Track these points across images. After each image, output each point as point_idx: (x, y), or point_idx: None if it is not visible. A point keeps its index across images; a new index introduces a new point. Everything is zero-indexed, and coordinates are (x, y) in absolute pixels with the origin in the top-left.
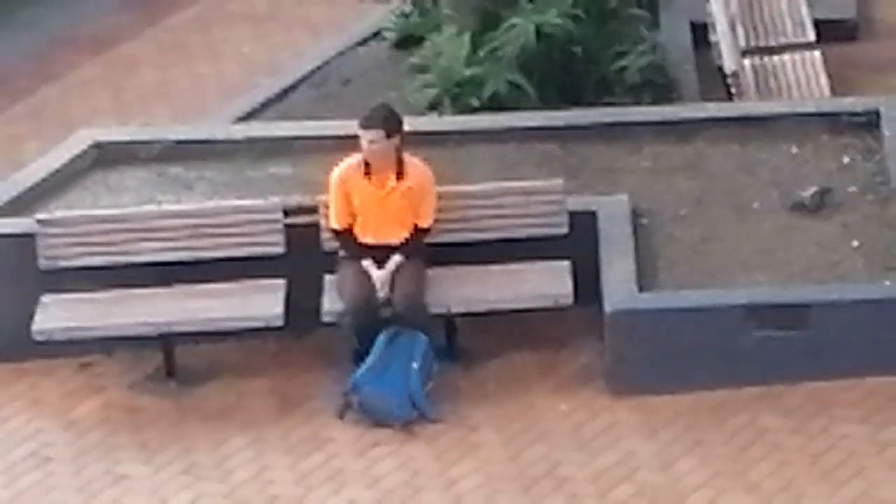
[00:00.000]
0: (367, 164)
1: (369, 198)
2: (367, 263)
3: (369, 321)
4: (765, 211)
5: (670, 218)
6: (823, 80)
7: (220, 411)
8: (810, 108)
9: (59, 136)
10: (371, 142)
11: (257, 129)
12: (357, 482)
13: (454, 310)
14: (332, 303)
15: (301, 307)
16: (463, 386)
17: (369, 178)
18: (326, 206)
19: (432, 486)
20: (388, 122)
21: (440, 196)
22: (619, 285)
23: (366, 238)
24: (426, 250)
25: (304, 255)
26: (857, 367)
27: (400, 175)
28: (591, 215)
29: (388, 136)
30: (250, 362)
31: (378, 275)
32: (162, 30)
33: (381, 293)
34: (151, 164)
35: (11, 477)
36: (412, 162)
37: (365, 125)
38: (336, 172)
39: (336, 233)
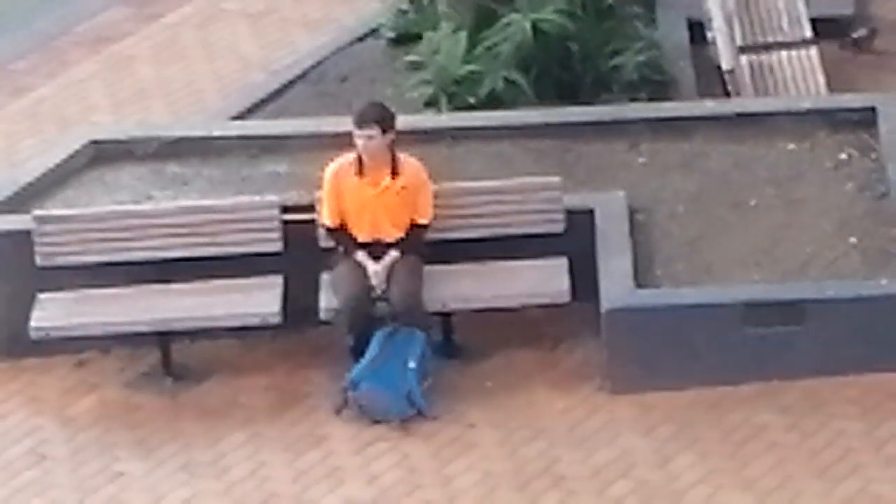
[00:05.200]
0: (360, 163)
1: (363, 196)
2: (361, 256)
3: (364, 318)
4: (762, 208)
5: (667, 215)
6: (820, 77)
7: (217, 408)
8: (807, 106)
9: (55, 133)
10: (368, 138)
11: (254, 126)
12: (354, 479)
13: (451, 307)
14: (329, 300)
15: (298, 304)
16: (460, 383)
17: (362, 177)
18: (320, 203)
19: (429, 483)
20: (383, 118)
21: (437, 194)
22: (616, 282)
23: (360, 236)
24: (424, 247)
25: (301, 252)
26: (854, 363)
27: (395, 173)
28: (588, 212)
29: (384, 132)
30: (247, 359)
31: (374, 268)
32: (158, 27)
33: (378, 286)
34: (148, 161)
35: (8, 474)
36: (406, 159)
37: (360, 122)
38: (330, 169)
39: (329, 230)
